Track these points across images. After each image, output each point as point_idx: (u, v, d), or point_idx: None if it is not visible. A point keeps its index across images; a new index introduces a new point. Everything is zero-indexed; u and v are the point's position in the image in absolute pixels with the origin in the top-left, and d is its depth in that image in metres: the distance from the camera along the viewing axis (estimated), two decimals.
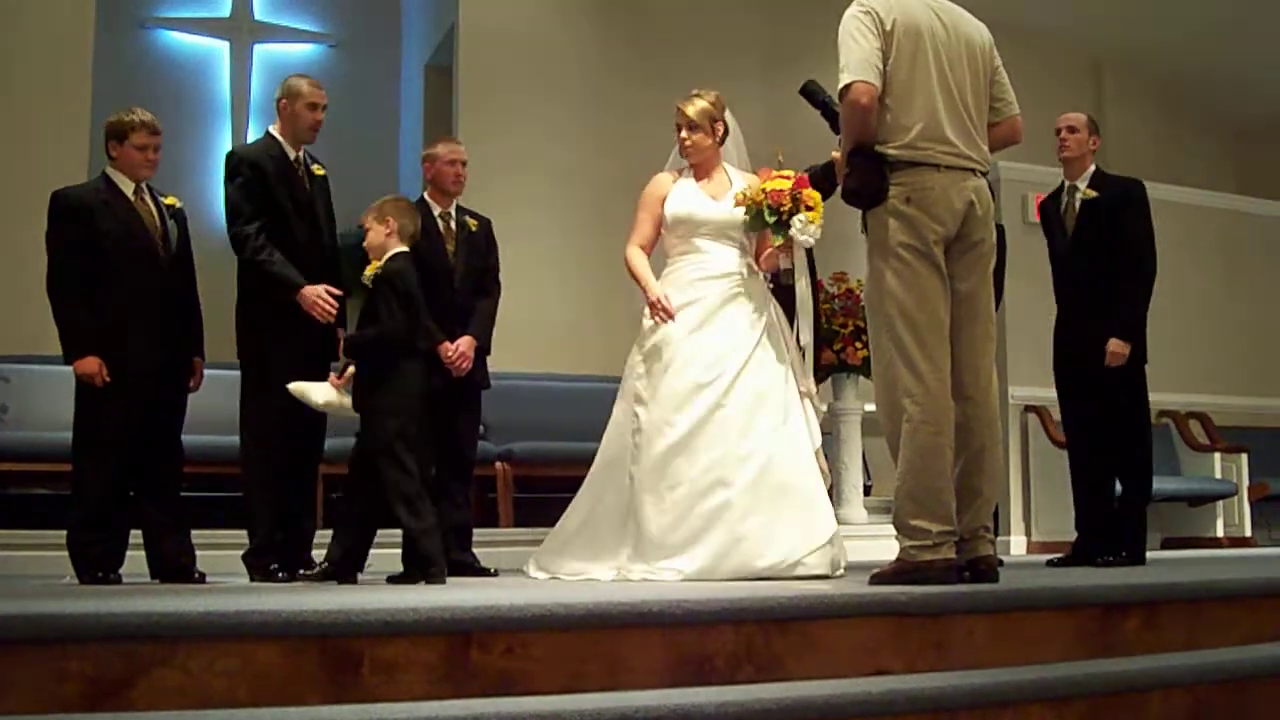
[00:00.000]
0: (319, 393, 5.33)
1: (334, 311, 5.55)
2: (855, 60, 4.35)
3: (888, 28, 4.37)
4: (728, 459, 4.90)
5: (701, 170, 5.42)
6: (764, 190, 5.12)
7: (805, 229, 5.07)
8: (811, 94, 4.86)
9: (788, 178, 5.11)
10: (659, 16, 11.00)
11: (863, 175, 4.42)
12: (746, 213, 5.15)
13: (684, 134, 5.40)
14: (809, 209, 5.05)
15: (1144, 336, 6.51)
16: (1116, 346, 6.36)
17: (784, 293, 5.49)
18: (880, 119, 4.39)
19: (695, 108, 5.40)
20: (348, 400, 5.25)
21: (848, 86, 4.33)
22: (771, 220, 5.07)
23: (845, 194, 4.54)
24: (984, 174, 4.51)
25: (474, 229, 6.28)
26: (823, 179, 4.95)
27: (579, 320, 9.41)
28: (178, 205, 5.69)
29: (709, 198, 5.37)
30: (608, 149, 9.83)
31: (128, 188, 5.56)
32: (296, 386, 5.36)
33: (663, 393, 5.01)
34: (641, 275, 5.29)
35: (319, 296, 5.52)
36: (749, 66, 10.03)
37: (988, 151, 4.51)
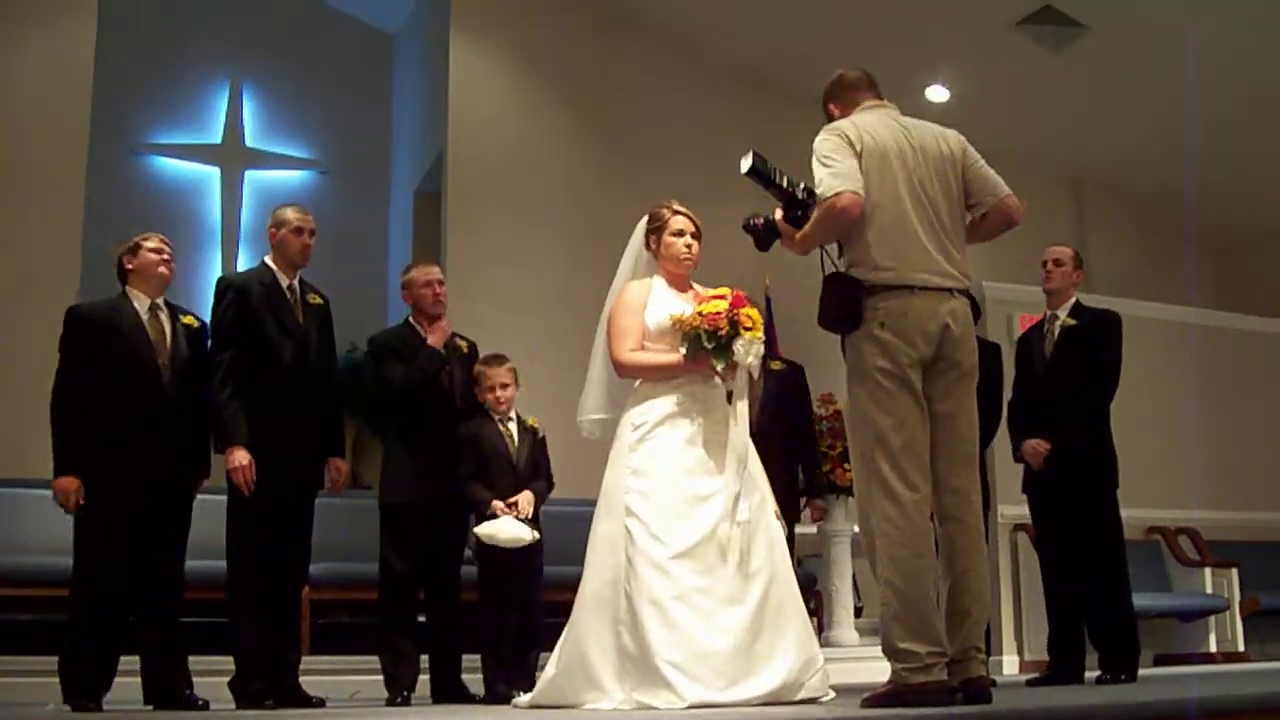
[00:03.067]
0: (507, 529, 5.84)
1: (249, 487, 5.53)
2: (840, 173, 4.34)
3: (858, 150, 4.39)
4: (735, 576, 4.72)
5: (677, 281, 5.25)
6: (700, 314, 4.90)
7: (749, 350, 4.84)
8: (758, 171, 4.59)
9: (723, 297, 4.93)
10: (643, 140, 11.19)
11: (838, 301, 4.43)
12: (684, 340, 4.94)
13: (688, 240, 5.21)
14: (748, 329, 4.84)
15: (1113, 459, 6.63)
16: (1036, 445, 6.62)
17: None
18: (853, 242, 4.41)
19: (695, 219, 5.30)
20: (527, 532, 5.91)
21: (837, 195, 4.30)
22: (710, 346, 4.86)
23: (822, 320, 4.52)
24: (963, 293, 4.50)
25: (465, 351, 6.39)
26: (763, 234, 4.75)
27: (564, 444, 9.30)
28: (195, 325, 5.73)
29: (681, 301, 5.19)
30: (593, 273, 9.56)
31: (142, 304, 5.63)
32: (483, 531, 5.88)
33: (661, 504, 4.77)
34: (656, 360, 5.06)
35: (241, 467, 5.52)
36: (733, 188, 9.89)
37: (966, 268, 4.51)
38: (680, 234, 5.20)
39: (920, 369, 4.35)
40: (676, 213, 5.24)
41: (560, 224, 10.77)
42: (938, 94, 11.64)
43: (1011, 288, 9.34)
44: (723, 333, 4.78)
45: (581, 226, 10.72)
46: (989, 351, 5.25)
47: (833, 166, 4.33)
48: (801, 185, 4.59)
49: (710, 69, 11.85)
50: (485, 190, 10.53)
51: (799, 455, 7.51)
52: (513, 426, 6.29)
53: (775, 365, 7.16)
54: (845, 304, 4.39)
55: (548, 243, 10.65)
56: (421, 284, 6.28)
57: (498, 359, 6.29)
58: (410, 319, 6.36)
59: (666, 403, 5.00)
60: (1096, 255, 11.72)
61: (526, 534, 5.93)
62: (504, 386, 6.24)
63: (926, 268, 4.38)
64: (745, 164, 4.57)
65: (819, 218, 4.36)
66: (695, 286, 5.24)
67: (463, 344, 6.41)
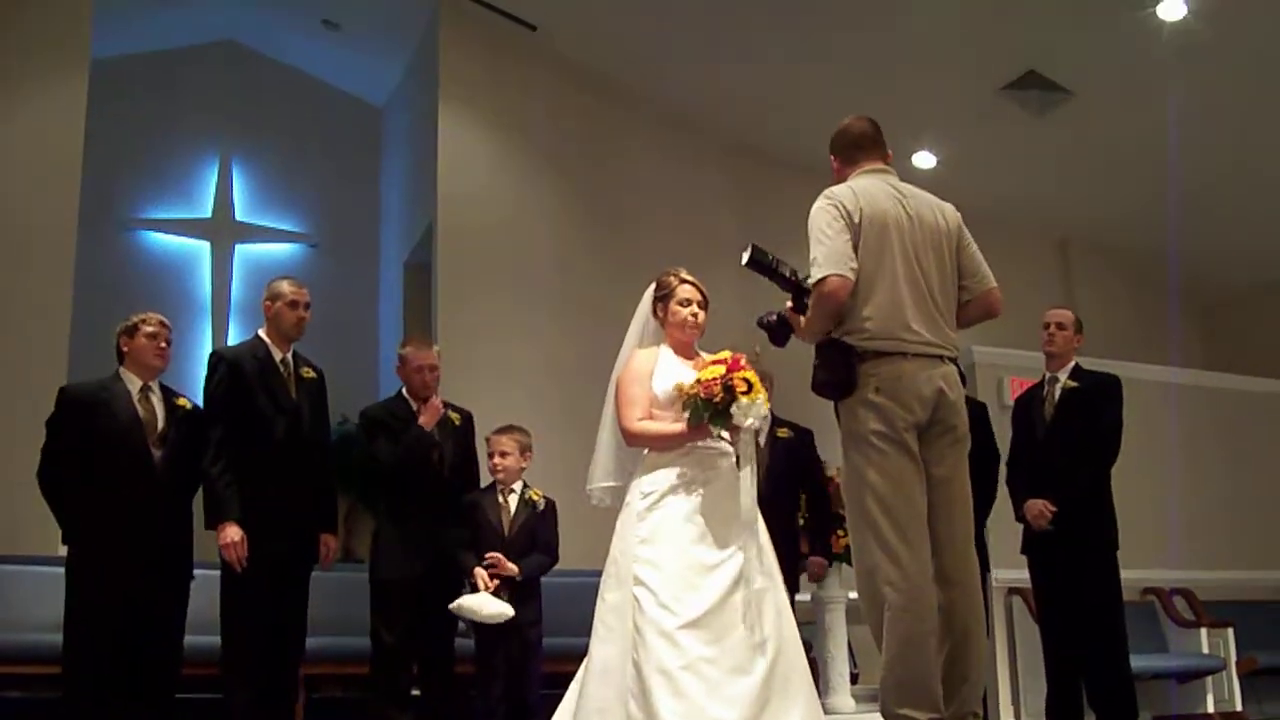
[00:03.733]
0: (489, 606, 5.90)
1: (241, 563, 5.53)
2: (829, 254, 4.40)
3: (855, 220, 4.43)
4: (743, 646, 4.63)
5: (683, 348, 5.19)
6: (699, 381, 4.83)
7: (747, 413, 4.74)
8: (759, 263, 4.65)
9: (722, 362, 4.86)
10: (632, 210, 11.19)
11: (832, 366, 4.48)
12: (685, 408, 4.86)
13: (694, 310, 5.14)
14: (744, 392, 4.74)
15: (1114, 520, 6.66)
16: (1040, 506, 6.64)
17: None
18: (848, 309, 4.45)
19: (703, 287, 5.24)
20: (509, 608, 5.96)
21: (823, 279, 4.37)
22: (708, 413, 4.79)
23: (816, 386, 4.57)
24: (952, 360, 4.55)
25: (457, 423, 6.40)
26: (777, 329, 4.80)
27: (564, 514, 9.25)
28: (188, 407, 5.71)
29: (689, 369, 5.10)
30: (583, 344, 9.82)
31: (134, 385, 5.64)
32: (462, 604, 5.89)
33: (670, 572, 4.68)
34: (662, 430, 4.96)
35: (233, 543, 5.52)
36: (723, 256, 9.44)
37: (955, 338, 4.56)
38: (687, 302, 5.16)
39: (916, 433, 4.40)
40: (684, 281, 5.20)
41: (549, 294, 10.71)
42: (925, 160, 11.71)
43: (1001, 351, 9.37)
44: (718, 399, 4.74)
45: (569, 296, 10.70)
46: (974, 410, 5.25)
47: (825, 245, 4.40)
48: (804, 275, 4.62)
49: (699, 138, 11.86)
50: (475, 262, 10.50)
51: (810, 520, 7.43)
52: (513, 498, 6.30)
53: (782, 433, 7.09)
54: (839, 369, 4.45)
55: (536, 313, 10.60)
56: (414, 366, 6.34)
57: (507, 429, 6.37)
58: (404, 392, 6.37)
59: (675, 471, 4.95)
60: (1084, 314, 11.70)
61: (508, 610, 5.97)
62: (503, 455, 6.28)
63: (917, 336, 4.45)
64: (745, 257, 4.62)
65: (812, 304, 4.43)
66: (701, 354, 5.20)
67: (455, 416, 6.42)
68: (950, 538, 4.43)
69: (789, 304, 4.66)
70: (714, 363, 4.89)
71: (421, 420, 6.18)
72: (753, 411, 4.75)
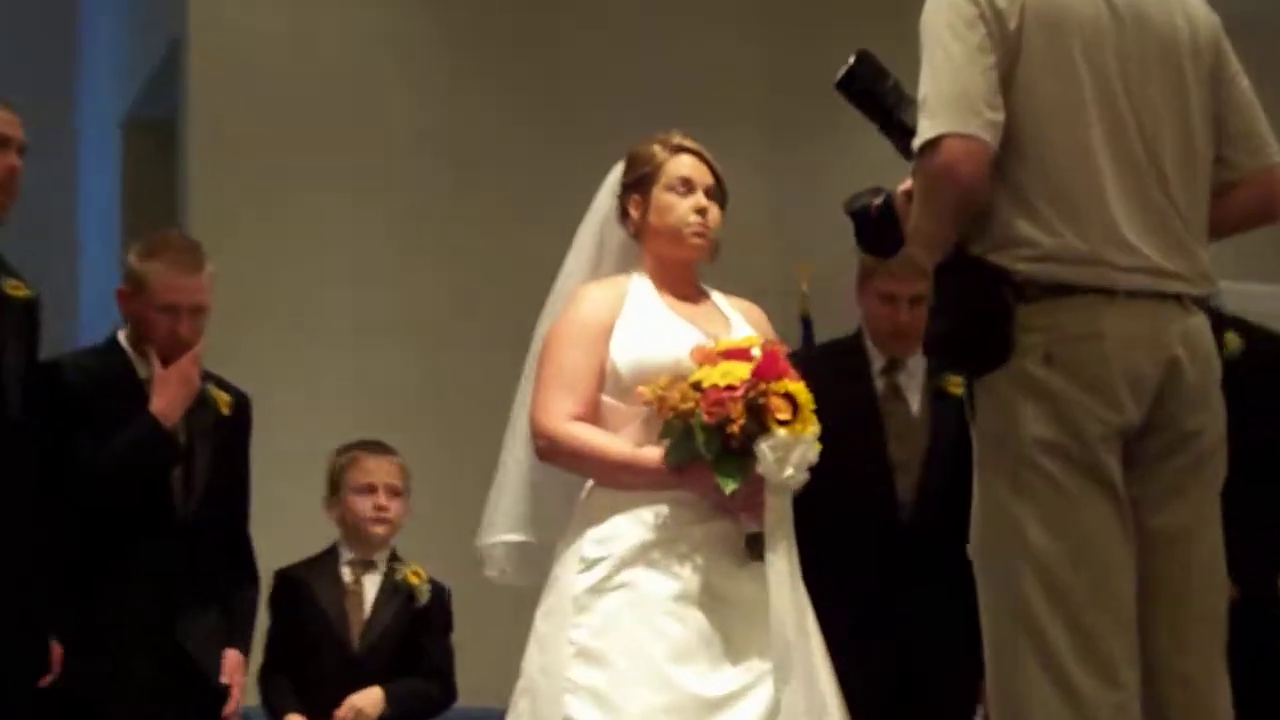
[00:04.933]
0: None
1: None
2: (949, 93, 2.75)
3: (1011, 25, 2.80)
4: None
5: (679, 280, 3.44)
6: (697, 386, 3.16)
7: (788, 458, 3.11)
8: (861, 82, 2.98)
9: (743, 352, 3.19)
10: (573, 32, 7.20)
11: (966, 309, 2.83)
12: (665, 434, 3.20)
13: (699, 202, 3.37)
14: (784, 421, 3.11)
15: None
16: None
17: None
18: (992, 203, 2.79)
19: (714, 162, 3.43)
20: None
21: (933, 144, 2.73)
22: (710, 448, 3.10)
23: (930, 344, 2.96)
24: (1201, 305, 2.90)
25: (224, 413, 4.18)
26: (878, 224, 3.03)
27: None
28: None
29: (691, 326, 3.37)
30: (475, 276, 6.59)
31: None
32: None
33: (631, 716, 3.10)
34: (610, 450, 3.27)
35: None
36: (736, 110, 6.63)
37: (1207, 261, 2.92)
38: (684, 188, 3.40)
39: (1120, 444, 2.79)
40: (679, 150, 3.46)
41: (404, 184, 6.77)
42: None
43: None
44: (733, 430, 3.09)
45: (448, 188, 6.86)
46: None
47: (943, 75, 2.78)
48: None
49: None
50: (258, 119, 6.66)
51: None
52: (372, 580, 4.45)
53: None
54: (977, 317, 2.81)
55: (378, 220, 6.71)
56: (162, 299, 4.01)
57: (381, 448, 4.58)
58: (122, 340, 4.11)
59: (646, 519, 3.24)
60: None
61: None
62: (393, 494, 4.46)
63: (1135, 255, 2.78)
64: (841, 72, 2.99)
65: (918, 192, 2.84)
66: (714, 296, 3.54)
67: (221, 400, 4.15)
68: (1180, 649, 2.85)
69: (909, 183, 2.92)
70: (729, 351, 3.21)
71: (157, 402, 3.91)
72: (795, 454, 3.13)
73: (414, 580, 4.49)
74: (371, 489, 4.41)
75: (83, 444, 3.89)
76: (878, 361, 4.16)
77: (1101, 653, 2.67)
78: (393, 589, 4.44)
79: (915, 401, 4.18)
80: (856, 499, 3.94)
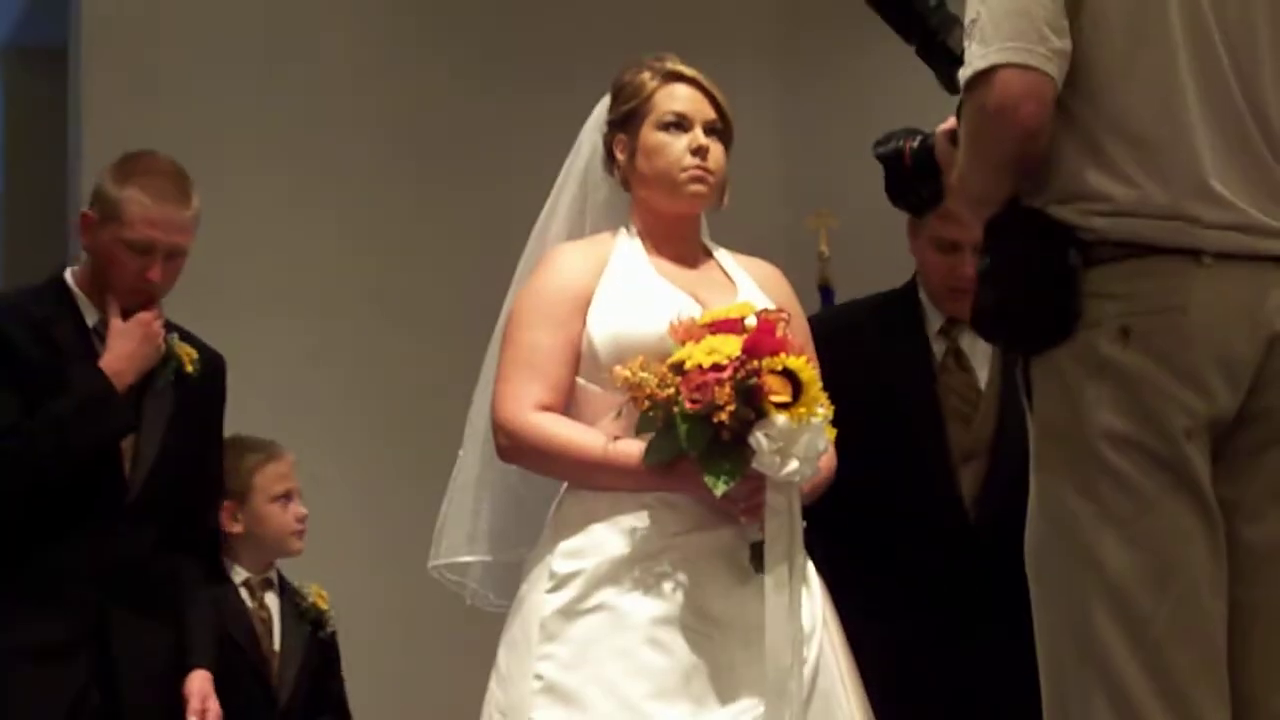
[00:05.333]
0: None
1: None
2: (1006, 10, 2.31)
3: None
4: None
5: (674, 236, 2.92)
6: (675, 369, 2.66)
7: (789, 448, 2.62)
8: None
9: (734, 322, 2.69)
10: None
11: (1022, 273, 2.38)
12: (643, 427, 2.71)
13: (698, 138, 2.83)
14: (782, 404, 2.63)
15: None
16: None
17: None
18: (1057, 148, 2.37)
19: (716, 91, 2.88)
20: None
21: (985, 75, 2.31)
22: (694, 442, 2.62)
23: (980, 317, 2.47)
24: None
25: (189, 372, 3.45)
26: (915, 172, 2.60)
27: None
28: None
29: (686, 294, 2.85)
30: (420, 232, 5.69)
31: None
32: None
33: None
34: (573, 443, 2.76)
35: None
36: (745, 70, 5.50)
37: None
38: (679, 124, 2.86)
39: (1209, 439, 2.33)
40: (671, 77, 2.91)
41: (344, 116, 5.90)
42: None
43: None
44: (723, 419, 2.59)
45: (387, 116, 5.90)
46: None
47: None
48: None
49: None
50: (167, 39, 5.83)
51: None
52: (271, 602, 3.84)
53: None
54: (1036, 282, 2.36)
55: (316, 156, 5.83)
56: (139, 232, 3.31)
57: (276, 445, 3.99)
58: (69, 278, 3.45)
59: (625, 531, 2.76)
60: None
61: None
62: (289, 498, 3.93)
63: (1226, 206, 2.34)
64: None
65: (965, 134, 2.41)
66: (719, 255, 3.02)
67: (186, 355, 3.46)
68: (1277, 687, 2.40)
69: (952, 122, 2.50)
70: (715, 324, 2.70)
71: (110, 357, 3.31)
72: (799, 444, 2.63)
73: (322, 605, 3.98)
74: (289, 496, 3.89)
75: (11, 405, 3.28)
76: (935, 321, 3.41)
77: (1188, 700, 2.25)
78: (297, 614, 3.91)
79: (983, 372, 3.42)
80: (908, 494, 3.25)
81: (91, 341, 3.32)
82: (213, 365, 3.51)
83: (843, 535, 3.01)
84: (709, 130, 2.86)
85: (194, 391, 3.46)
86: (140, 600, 3.31)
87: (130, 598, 3.30)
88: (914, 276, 3.51)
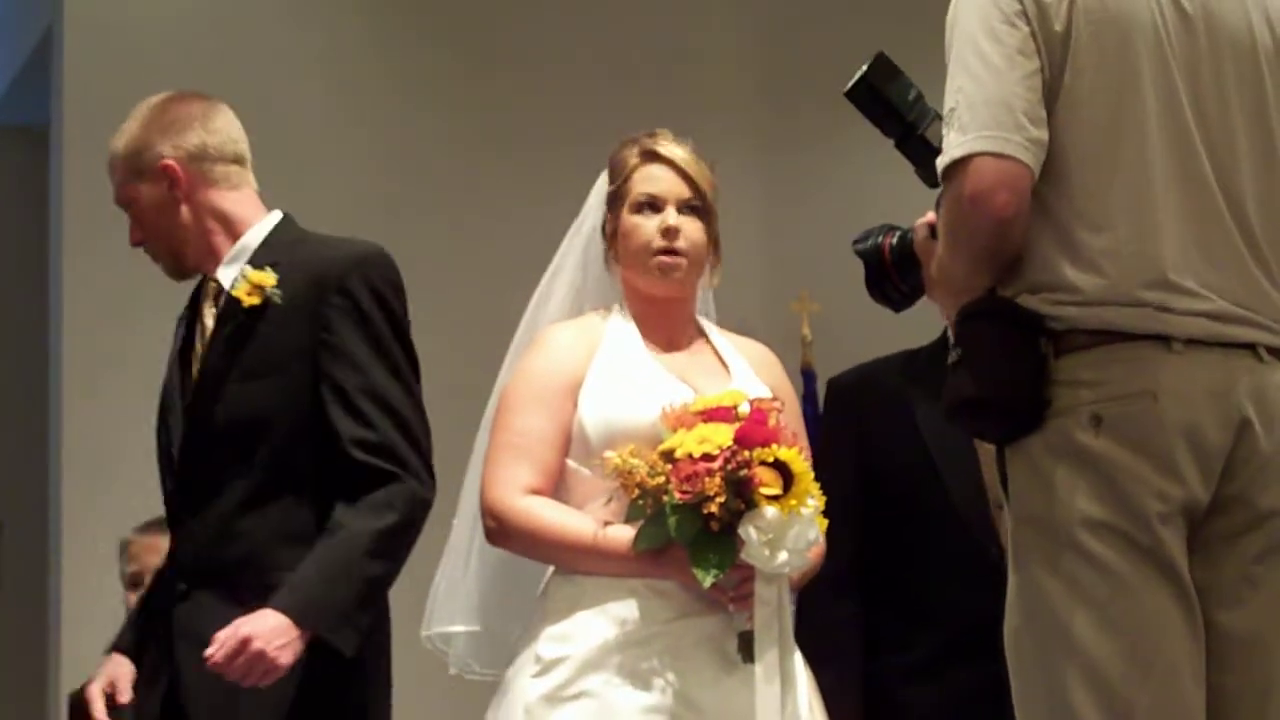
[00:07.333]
0: None
1: None
2: (984, 101, 2.32)
3: (1057, 25, 2.38)
4: None
5: (660, 321, 2.89)
6: (665, 456, 2.65)
7: (777, 541, 2.62)
8: (872, 88, 2.60)
9: (726, 411, 2.69)
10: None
11: (991, 363, 2.38)
12: (632, 515, 2.69)
13: (669, 220, 2.80)
14: (772, 496, 2.63)
15: None
16: None
17: None
18: (1030, 238, 2.38)
19: (697, 165, 2.84)
20: None
21: (961, 163, 2.30)
22: (683, 532, 2.61)
23: (954, 406, 2.44)
24: None
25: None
26: (895, 268, 2.70)
27: None
28: None
29: (678, 379, 2.83)
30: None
31: None
32: None
33: None
34: (561, 529, 2.73)
35: None
36: (728, 145, 5.25)
37: None
38: (653, 205, 2.81)
39: (1185, 524, 2.33)
40: (649, 157, 2.85)
41: (305, 182, 5.59)
42: None
43: None
44: (713, 510, 2.57)
45: (372, 183, 6.03)
46: None
47: (975, 81, 2.35)
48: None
49: None
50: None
51: None
52: None
53: None
54: (1005, 372, 2.36)
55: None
56: None
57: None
58: None
59: (612, 617, 2.74)
60: None
61: None
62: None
63: (1194, 294, 2.35)
64: (855, 77, 2.65)
65: (943, 225, 2.44)
66: (714, 337, 2.97)
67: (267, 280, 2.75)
68: None
69: (931, 215, 2.61)
70: (707, 411, 2.69)
71: None
72: (788, 537, 2.63)
73: None
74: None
75: None
76: None
77: None
78: None
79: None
80: (943, 540, 3.20)
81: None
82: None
83: (881, 597, 3.08)
84: (685, 209, 2.82)
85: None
86: None
87: None
88: (944, 331, 3.52)
